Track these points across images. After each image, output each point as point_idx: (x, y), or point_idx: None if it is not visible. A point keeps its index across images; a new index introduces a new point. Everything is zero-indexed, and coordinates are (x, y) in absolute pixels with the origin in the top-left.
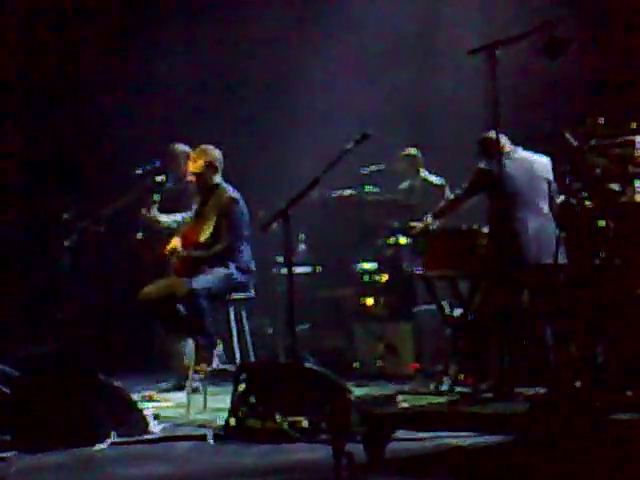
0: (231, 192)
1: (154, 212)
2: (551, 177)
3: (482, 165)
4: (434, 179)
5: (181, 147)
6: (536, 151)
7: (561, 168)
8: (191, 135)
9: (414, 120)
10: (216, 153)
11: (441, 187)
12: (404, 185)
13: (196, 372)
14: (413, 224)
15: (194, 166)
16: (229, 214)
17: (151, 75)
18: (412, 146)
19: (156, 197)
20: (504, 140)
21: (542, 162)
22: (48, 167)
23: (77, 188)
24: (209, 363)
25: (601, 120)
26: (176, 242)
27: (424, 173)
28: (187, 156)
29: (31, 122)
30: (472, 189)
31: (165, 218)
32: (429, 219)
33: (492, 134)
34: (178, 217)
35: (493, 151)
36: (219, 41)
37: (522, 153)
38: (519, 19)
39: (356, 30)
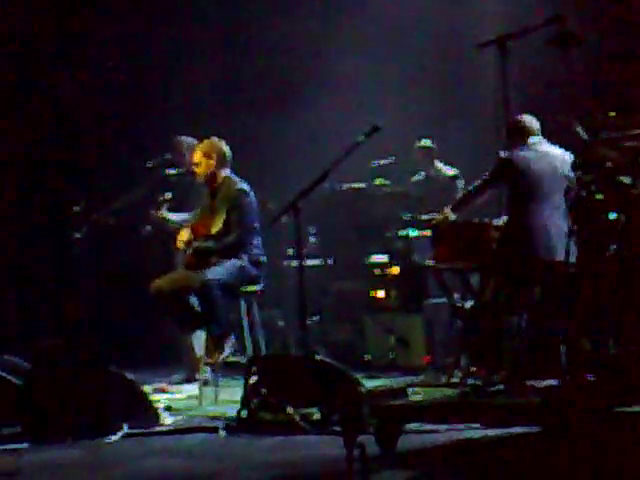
0: (240, 184)
1: (164, 211)
2: (571, 174)
3: (503, 154)
4: (447, 170)
5: (185, 139)
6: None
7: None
8: (201, 127)
9: (428, 112)
10: (225, 146)
11: (453, 178)
12: (417, 177)
13: (207, 364)
14: (425, 217)
15: (201, 158)
16: (239, 206)
17: (162, 68)
18: (427, 137)
19: (168, 196)
20: (535, 125)
21: (564, 158)
22: (60, 159)
23: (88, 180)
24: (220, 352)
25: (612, 112)
26: (187, 234)
27: (438, 164)
28: (192, 148)
29: (42, 113)
30: (493, 179)
31: (174, 217)
32: (447, 211)
33: (523, 119)
34: (187, 216)
35: (520, 136)
36: (228, 26)
37: (546, 146)
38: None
39: (371, 24)
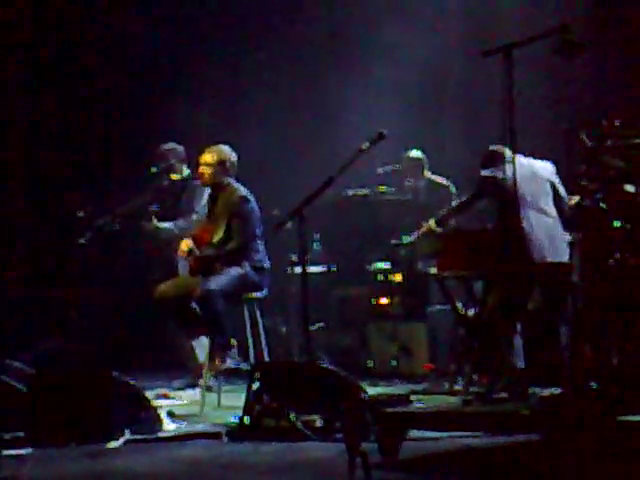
0: (241, 191)
1: (154, 222)
2: (555, 179)
3: (485, 173)
4: (439, 180)
5: (170, 145)
6: (550, 153)
7: (576, 169)
8: (205, 134)
9: (433, 118)
10: (231, 154)
11: (446, 187)
12: (410, 184)
13: (210, 370)
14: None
15: (207, 161)
16: (240, 213)
17: (168, 75)
18: (416, 148)
19: (154, 208)
20: (507, 151)
21: (544, 166)
22: (64, 165)
23: (92, 186)
24: (222, 361)
25: (617, 121)
26: (189, 242)
27: (429, 174)
28: (176, 154)
29: (47, 119)
30: (477, 196)
31: (165, 225)
32: (432, 223)
33: (497, 147)
34: (181, 223)
35: (498, 161)
36: (233, 32)
37: (523, 159)
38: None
39: (378, 29)
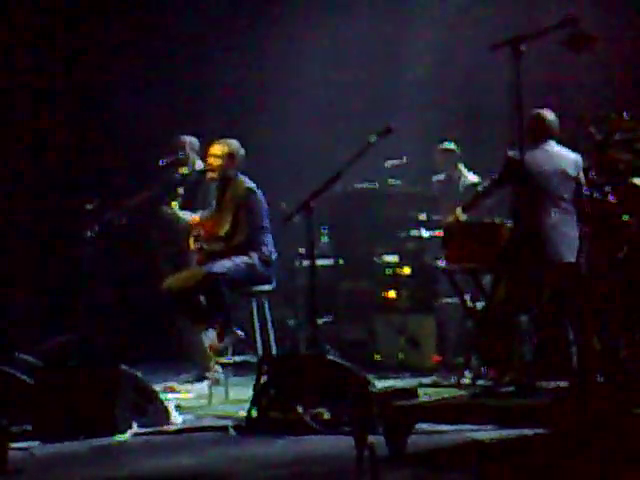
0: (248, 183)
1: (176, 208)
2: (581, 175)
3: (511, 154)
4: (470, 176)
5: (187, 138)
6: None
7: (585, 162)
8: (213, 126)
9: (442, 113)
10: (240, 148)
11: (475, 186)
12: (439, 177)
13: (218, 363)
14: (437, 218)
15: (216, 153)
16: (247, 205)
17: (176, 67)
18: (449, 140)
19: (180, 190)
20: (556, 125)
21: (572, 159)
22: (72, 158)
23: (101, 179)
24: (221, 340)
25: (625, 114)
26: (198, 229)
27: (461, 168)
28: (192, 146)
29: (54, 113)
30: (501, 179)
31: (185, 215)
32: (459, 212)
33: (547, 116)
34: (198, 215)
35: (537, 135)
36: (239, 26)
37: (555, 147)
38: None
39: (387, 24)
